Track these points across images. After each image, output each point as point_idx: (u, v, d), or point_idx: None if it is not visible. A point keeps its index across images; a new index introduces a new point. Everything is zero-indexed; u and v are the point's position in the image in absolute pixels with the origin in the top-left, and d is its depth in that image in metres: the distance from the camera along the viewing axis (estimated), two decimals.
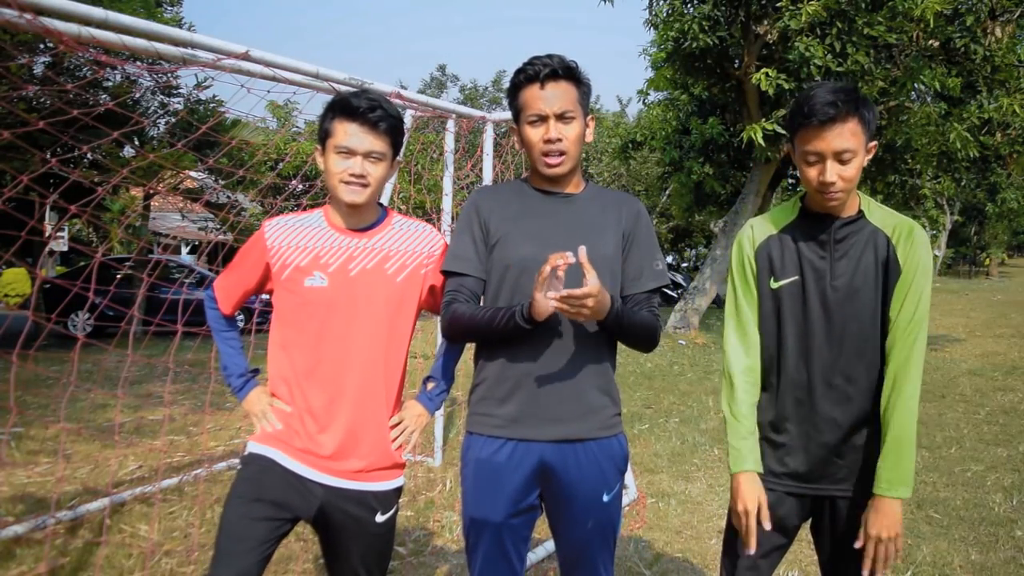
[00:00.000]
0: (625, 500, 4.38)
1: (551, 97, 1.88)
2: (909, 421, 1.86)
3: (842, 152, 1.81)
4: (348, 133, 1.86)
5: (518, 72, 1.93)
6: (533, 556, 3.52)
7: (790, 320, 1.95)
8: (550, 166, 1.92)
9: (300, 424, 1.92)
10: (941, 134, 10.50)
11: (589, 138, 1.99)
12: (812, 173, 1.86)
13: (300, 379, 1.93)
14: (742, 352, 2.01)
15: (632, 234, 1.99)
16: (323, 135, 1.91)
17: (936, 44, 10.28)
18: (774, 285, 1.98)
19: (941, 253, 35.09)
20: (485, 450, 1.93)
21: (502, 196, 2.02)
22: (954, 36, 10.03)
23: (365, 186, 1.89)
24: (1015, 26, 10.16)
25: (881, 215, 1.95)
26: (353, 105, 1.86)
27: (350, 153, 1.87)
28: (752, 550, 1.92)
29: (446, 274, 1.99)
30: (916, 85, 10.38)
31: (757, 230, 2.04)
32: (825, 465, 1.93)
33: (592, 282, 1.68)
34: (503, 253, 1.93)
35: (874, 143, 1.90)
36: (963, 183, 13.71)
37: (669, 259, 22.72)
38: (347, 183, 1.88)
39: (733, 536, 2.03)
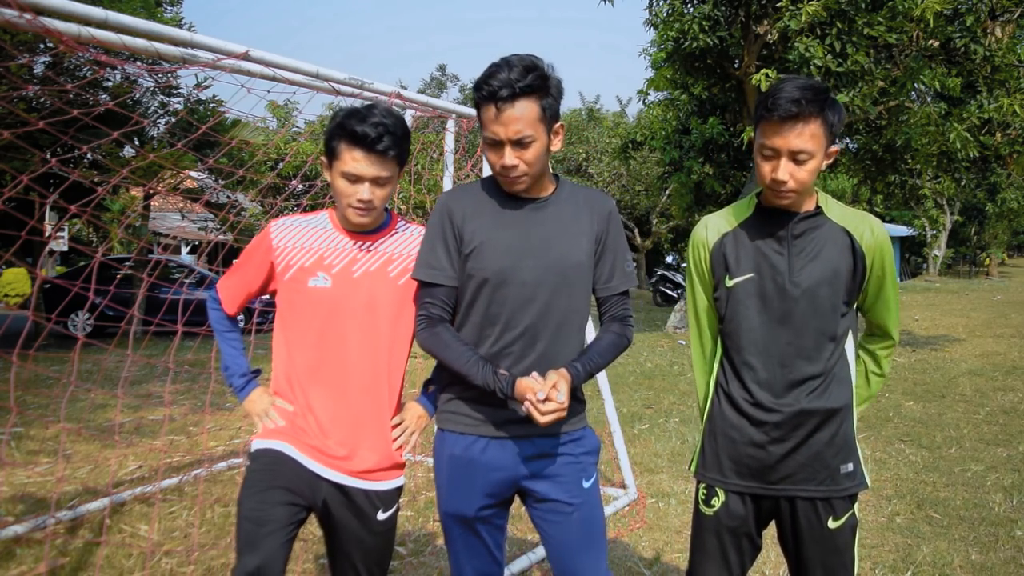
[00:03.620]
0: (625, 500, 4.38)
1: (507, 122, 1.77)
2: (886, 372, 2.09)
3: (798, 152, 1.78)
4: (355, 160, 1.84)
5: (476, 86, 1.81)
6: (533, 556, 3.52)
7: (746, 317, 1.93)
8: (508, 184, 1.89)
9: (305, 421, 1.94)
10: (941, 134, 10.49)
11: (556, 147, 1.89)
12: (766, 168, 1.84)
13: (303, 378, 1.95)
14: (703, 370, 2.10)
15: (604, 235, 1.97)
16: (329, 153, 1.89)
17: (936, 44, 10.27)
18: (729, 283, 1.96)
19: (941, 253, 35.06)
20: (458, 446, 1.94)
21: (474, 201, 1.95)
22: (954, 36, 10.03)
23: (372, 209, 1.91)
24: (1015, 26, 10.15)
25: (840, 212, 1.94)
26: (360, 134, 1.82)
27: (358, 180, 1.87)
28: None
29: (419, 282, 1.96)
30: (916, 85, 10.37)
31: (711, 229, 2.02)
32: (786, 464, 1.91)
33: (560, 399, 1.75)
34: (479, 264, 1.89)
35: (836, 148, 1.87)
36: (963, 183, 13.71)
37: (669, 259, 22.68)
38: (355, 208, 1.89)
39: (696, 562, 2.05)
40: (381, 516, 1.99)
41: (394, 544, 2.12)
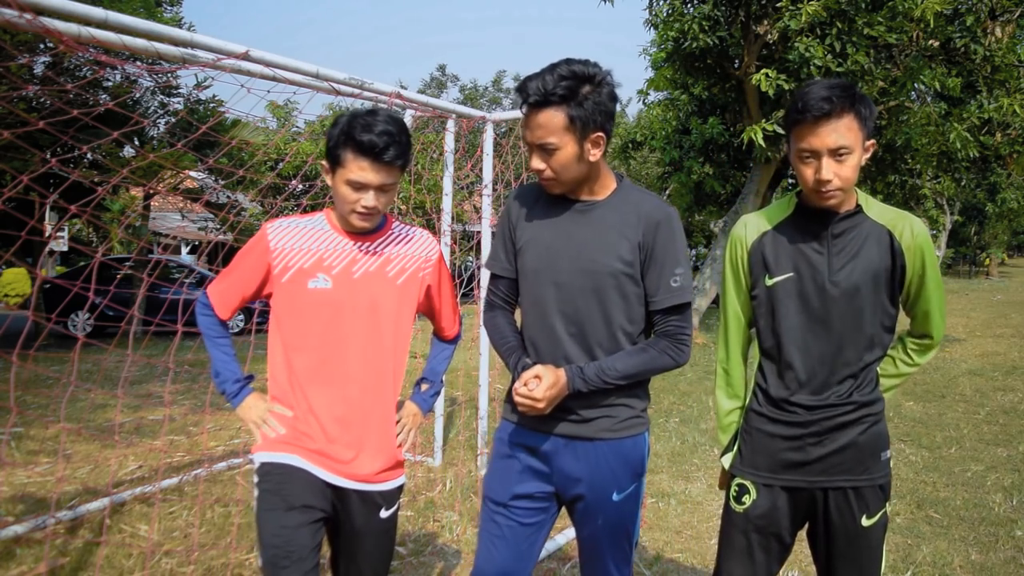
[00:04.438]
0: None
1: (532, 128, 1.84)
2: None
3: (837, 149, 1.78)
4: (362, 169, 1.84)
5: (516, 88, 1.89)
6: None
7: (786, 316, 1.94)
8: (544, 188, 1.95)
9: (306, 426, 1.93)
10: (941, 134, 10.49)
11: (594, 157, 1.86)
12: (808, 172, 1.83)
13: (303, 382, 1.93)
14: (725, 352, 2.09)
15: (651, 247, 1.89)
16: (333, 160, 1.88)
17: (936, 44, 10.27)
18: (769, 282, 1.96)
19: (941, 253, 35.07)
20: (506, 432, 2.02)
21: (532, 198, 2.03)
22: (954, 36, 10.03)
23: (375, 215, 1.93)
24: (1015, 26, 10.15)
25: (880, 210, 1.93)
26: (368, 144, 1.81)
27: (363, 187, 1.87)
28: None
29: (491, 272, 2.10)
30: (916, 85, 10.37)
31: (751, 227, 2.02)
32: (824, 461, 1.92)
33: (538, 392, 1.81)
34: (523, 262, 1.99)
35: (872, 142, 1.86)
36: (963, 183, 13.71)
37: None
38: (359, 213, 1.90)
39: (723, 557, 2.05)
40: (384, 514, 2.01)
41: (395, 542, 2.13)
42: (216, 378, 2.04)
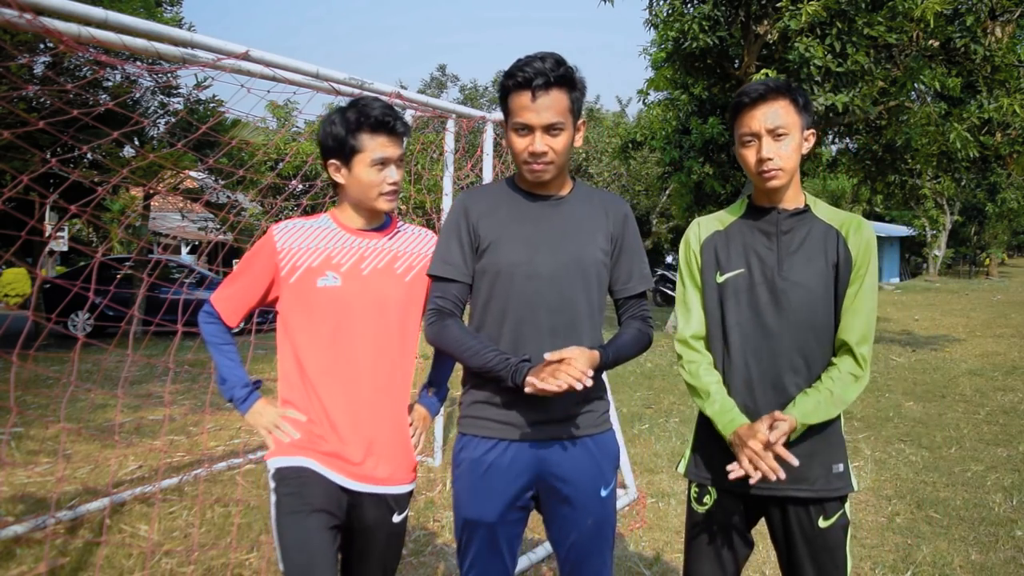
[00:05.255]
0: (625, 500, 4.38)
1: (540, 109, 1.83)
2: (845, 395, 1.84)
3: (775, 128, 1.86)
4: (383, 145, 1.91)
5: (508, 75, 1.87)
6: (533, 556, 3.52)
7: (735, 312, 1.94)
8: (534, 172, 1.91)
9: (321, 428, 1.92)
10: (941, 134, 10.50)
11: (579, 143, 1.94)
12: (750, 155, 1.90)
13: (315, 382, 1.92)
14: (688, 325, 2.01)
15: (621, 238, 2.00)
16: (349, 151, 1.90)
17: (936, 44, 10.27)
18: (719, 279, 1.98)
19: (941, 253, 35.03)
20: (479, 451, 1.93)
21: (491, 199, 2.00)
22: (954, 36, 10.03)
23: (399, 191, 1.98)
24: (1015, 26, 10.15)
25: (827, 211, 1.98)
26: (381, 120, 1.90)
27: (386, 164, 1.92)
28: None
29: (432, 277, 1.99)
30: (916, 85, 10.37)
31: (704, 227, 2.06)
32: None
33: (577, 374, 1.72)
34: (494, 258, 1.93)
35: (812, 131, 1.93)
36: (963, 183, 13.73)
37: (669, 259, 22.69)
38: (386, 194, 1.95)
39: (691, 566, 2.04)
40: (396, 519, 2.00)
41: (403, 546, 2.13)
42: (222, 385, 2.01)
